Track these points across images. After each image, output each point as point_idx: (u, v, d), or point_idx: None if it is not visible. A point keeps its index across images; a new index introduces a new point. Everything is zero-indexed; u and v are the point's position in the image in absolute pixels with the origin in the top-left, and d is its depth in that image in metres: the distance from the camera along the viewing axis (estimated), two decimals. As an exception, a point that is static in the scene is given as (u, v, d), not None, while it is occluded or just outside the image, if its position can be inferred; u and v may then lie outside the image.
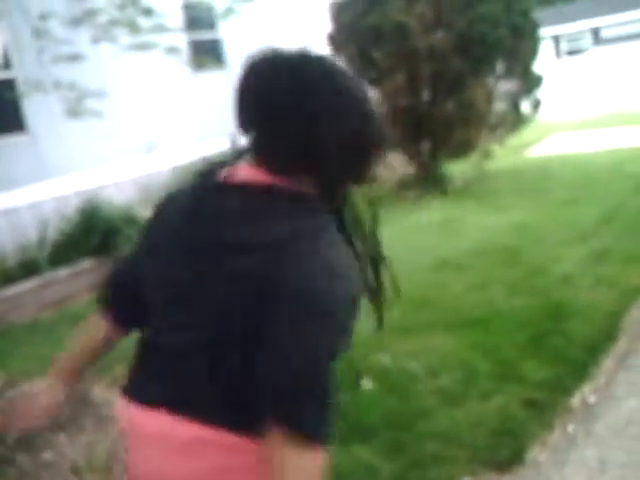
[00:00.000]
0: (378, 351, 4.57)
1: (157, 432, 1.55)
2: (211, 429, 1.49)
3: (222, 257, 1.46)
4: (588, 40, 25.51)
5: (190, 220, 1.56)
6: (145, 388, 1.63)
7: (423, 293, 5.74)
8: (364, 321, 4.92)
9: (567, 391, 3.93)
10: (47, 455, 3.76)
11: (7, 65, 8.98)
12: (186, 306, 1.53)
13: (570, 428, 3.65)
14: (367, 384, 4.16)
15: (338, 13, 10.85)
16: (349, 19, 10.54)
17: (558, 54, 25.35)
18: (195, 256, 1.52)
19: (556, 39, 25.19)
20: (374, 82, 10.79)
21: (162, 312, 1.61)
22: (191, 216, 1.56)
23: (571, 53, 25.38)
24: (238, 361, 1.46)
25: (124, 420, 1.67)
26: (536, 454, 3.44)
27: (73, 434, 3.92)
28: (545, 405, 3.80)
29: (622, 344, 4.51)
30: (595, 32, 25.46)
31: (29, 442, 3.83)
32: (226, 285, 1.44)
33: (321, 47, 11.56)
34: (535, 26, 10.90)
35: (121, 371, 4.73)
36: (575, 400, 3.88)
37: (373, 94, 11.07)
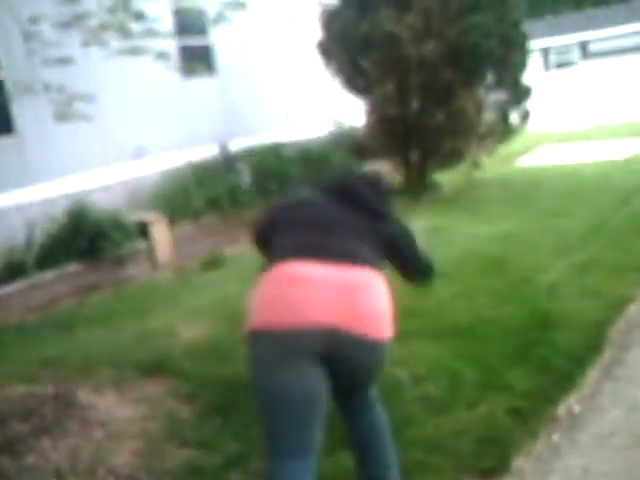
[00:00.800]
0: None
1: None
2: (373, 269, 2.78)
3: (367, 215, 2.91)
4: (576, 53, 25.66)
5: (339, 200, 2.94)
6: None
7: (409, 301, 5.71)
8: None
9: (552, 400, 3.94)
10: (30, 459, 3.73)
11: (-4, 67, 8.95)
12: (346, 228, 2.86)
13: (555, 437, 3.65)
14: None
15: (329, 21, 10.88)
16: (339, 27, 10.56)
17: (547, 66, 25.49)
18: (348, 211, 2.90)
19: (545, 51, 25.32)
20: (363, 91, 10.81)
21: (321, 232, 2.83)
22: (340, 198, 2.95)
23: (560, 66, 25.51)
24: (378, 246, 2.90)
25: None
26: (521, 463, 3.44)
27: (57, 438, 3.89)
28: (530, 414, 3.80)
29: (607, 355, 4.53)
30: (583, 46, 25.61)
31: (11, 446, 3.80)
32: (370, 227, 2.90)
33: (311, 54, 11.59)
34: (525, 37, 10.96)
35: (104, 375, 4.71)
36: (560, 410, 3.89)
37: (362, 102, 11.09)
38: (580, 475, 3.31)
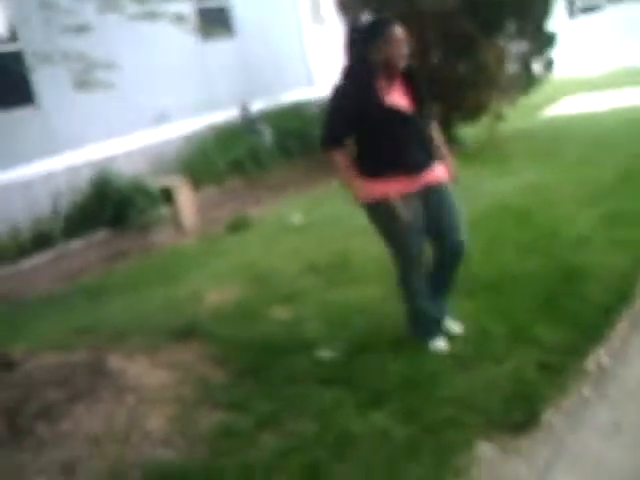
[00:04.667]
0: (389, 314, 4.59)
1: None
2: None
3: None
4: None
5: None
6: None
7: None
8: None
9: (581, 354, 3.92)
10: (65, 425, 3.81)
11: (14, 38, 8.96)
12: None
13: (585, 391, 3.65)
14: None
15: (346, -24, 10.71)
16: (357, -18, 10.40)
17: (572, 12, 24.94)
18: None
19: (569, -3, 24.72)
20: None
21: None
22: None
23: (585, 11, 24.92)
24: None
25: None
26: (550, 417, 3.45)
27: (91, 404, 3.96)
28: (559, 368, 3.80)
29: (637, 306, 4.49)
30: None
31: (48, 412, 3.88)
32: None
33: (330, 11, 11.45)
34: (547, -17, 10.70)
35: (135, 342, 4.78)
36: (589, 363, 3.88)
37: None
38: (611, 429, 3.32)
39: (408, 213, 3.90)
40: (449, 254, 4.16)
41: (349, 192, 4.11)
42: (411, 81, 4.06)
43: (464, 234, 4.14)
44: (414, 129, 4.00)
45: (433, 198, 4.02)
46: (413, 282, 4.22)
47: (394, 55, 3.89)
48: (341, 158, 3.98)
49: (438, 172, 4.08)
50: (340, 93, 4.01)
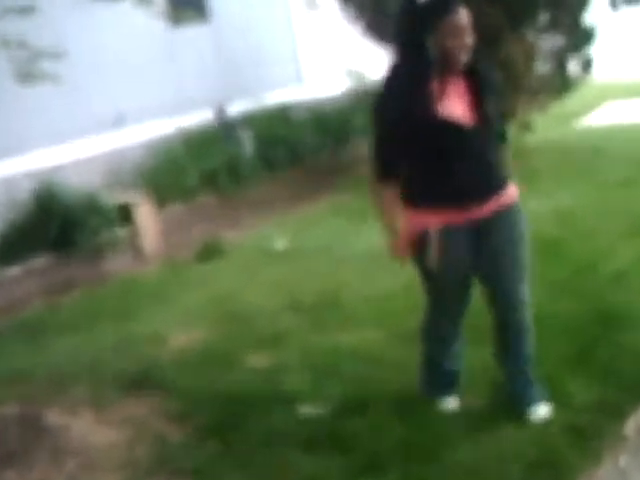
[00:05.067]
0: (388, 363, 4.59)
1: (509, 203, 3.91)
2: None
3: None
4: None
5: None
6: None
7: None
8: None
9: (619, 415, 3.92)
10: (-8, 495, 3.79)
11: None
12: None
13: (622, 460, 3.64)
14: None
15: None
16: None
17: (614, 3, 25.16)
18: None
19: (612, -16, 24.98)
20: (389, 37, 10.74)
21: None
22: None
23: (630, 1, 25.15)
24: None
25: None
26: (580, 492, 3.44)
27: (23, 469, 3.94)
28: (593, 431, 3.79)
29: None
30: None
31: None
32: None
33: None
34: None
35: (79, 393, 4.76)
36: (628, 426, 3.87)
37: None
38: (652, 506, 3.32)
39: (449, 246, 3.71)
40: (500, 308, 4.05)
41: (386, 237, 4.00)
42: (475, 81, 3.73)
43: (522, 284, 4.00)
44: (475, 147, 3.72)
45: (496, 229, 3.84)
46: (436, 327, 4.18)
47: (456, 46, 3.57)
48: (390, 195, 3.83)
49: (505, 198, 3.86)
50: (382, 109, 3.84)
